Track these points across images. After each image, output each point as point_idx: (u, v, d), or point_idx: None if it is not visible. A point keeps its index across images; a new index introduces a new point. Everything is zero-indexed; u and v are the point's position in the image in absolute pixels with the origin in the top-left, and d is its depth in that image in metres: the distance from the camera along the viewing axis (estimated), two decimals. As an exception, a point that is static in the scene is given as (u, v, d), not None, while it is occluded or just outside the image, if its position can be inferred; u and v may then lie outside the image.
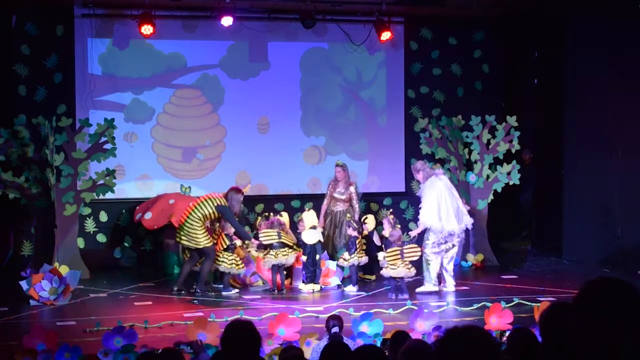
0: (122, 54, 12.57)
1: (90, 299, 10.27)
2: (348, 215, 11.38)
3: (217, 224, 10.75)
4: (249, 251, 10.87)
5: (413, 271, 10.29)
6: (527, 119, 13.57)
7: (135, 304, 10.01)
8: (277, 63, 13.17)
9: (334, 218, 11.69)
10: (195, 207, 10.40)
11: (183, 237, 10.42)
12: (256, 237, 10.80)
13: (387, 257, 10.23)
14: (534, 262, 12.80)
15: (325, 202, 11.80)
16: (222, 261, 10.52)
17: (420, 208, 10.67)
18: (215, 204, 10.41)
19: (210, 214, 10.42)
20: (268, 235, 10.62)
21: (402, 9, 13.06)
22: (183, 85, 12.88)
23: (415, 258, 10.33)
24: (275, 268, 10.62)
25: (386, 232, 10.63)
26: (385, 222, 10.80)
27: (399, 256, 10.21)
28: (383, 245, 10.73)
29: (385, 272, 10.30)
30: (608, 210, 12.24)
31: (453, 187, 10.85)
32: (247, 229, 11.32)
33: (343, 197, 11.66)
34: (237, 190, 10.72)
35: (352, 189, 11.71)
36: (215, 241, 10.55)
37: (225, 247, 10.57)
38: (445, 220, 10.47)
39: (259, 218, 11.10)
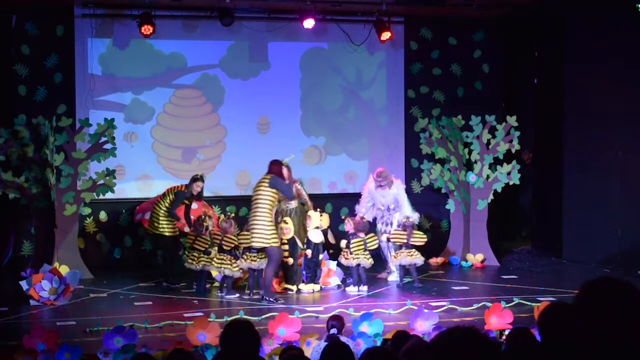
0: (122, 54, 12.57)
1: (90, 299, 10.27)
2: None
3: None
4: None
5: (371, 261, 10.85)
6: (527, 119, 13.57)
7: (135, 304, 10.01)
8: (277, 63, 13.16)
9: (293, 214, 11.15)
10: (161, 199, 11.03)
11: (151, 226, 11.05)
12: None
13: (352, 247, 10.78)
14: (534, 262, 12.80)
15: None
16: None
17: (395, 208, 11.44)
18: (175, 192, 11.05)
19: (171, 201, 11.05)
20: (231, 240, 10.49)
21: (402, 9, 13.04)
22: (183, 85, 12.88)
23: (375, 247, 10.99)
24: (252, 272, 10.47)
25: (350, 228, 10.95)
26: (347, 224, 11.01)
27: (362, 246, 10.81)
28: (342, 240, 11.06)
29: (348, 262, 10.79)
30: (608, 210, 12.23)
31: None
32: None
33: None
34: (196, 178, 11.20)
35: (297, 185, 11.28)
36: (177, 231, 11.06)
37: (203, 249, 10.66)
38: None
39: (222, 217, 10.88)
